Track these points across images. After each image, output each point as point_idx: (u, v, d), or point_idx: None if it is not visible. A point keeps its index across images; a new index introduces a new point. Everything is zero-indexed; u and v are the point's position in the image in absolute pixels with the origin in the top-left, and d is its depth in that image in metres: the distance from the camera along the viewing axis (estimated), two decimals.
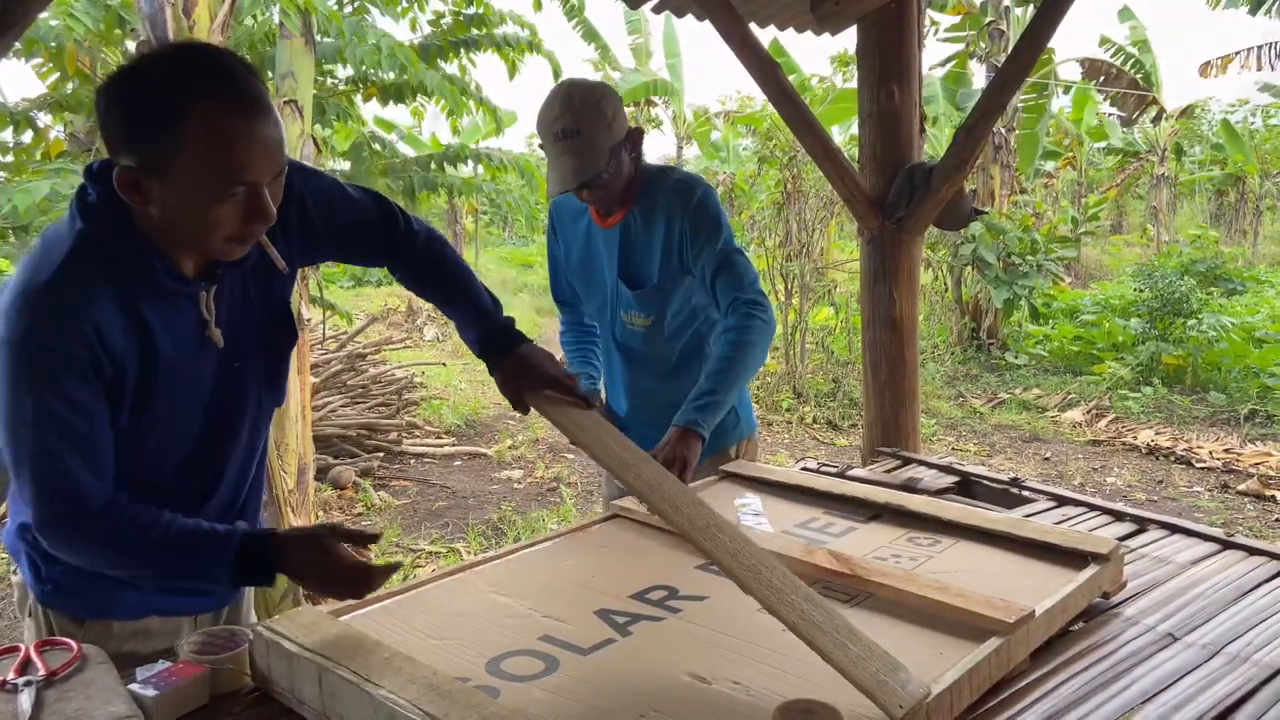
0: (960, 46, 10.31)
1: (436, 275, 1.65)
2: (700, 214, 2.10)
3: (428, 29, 5.81)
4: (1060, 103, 13.04)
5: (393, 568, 1.39)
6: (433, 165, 5.89)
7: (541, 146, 2.09)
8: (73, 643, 1.34)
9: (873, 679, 1.15)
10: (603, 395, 2.42)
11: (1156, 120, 14.20)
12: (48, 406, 1.20)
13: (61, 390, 1.20)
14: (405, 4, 5.59)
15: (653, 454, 1.89)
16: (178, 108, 1.16)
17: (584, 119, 2.00)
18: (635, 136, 2.11)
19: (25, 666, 1.29)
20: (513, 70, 5.94)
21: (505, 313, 1.65)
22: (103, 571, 1.36)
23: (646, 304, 2.20)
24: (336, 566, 1.34)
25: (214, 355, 1.39)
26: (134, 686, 1.27)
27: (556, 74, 6.70)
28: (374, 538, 1.40)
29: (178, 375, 1.34)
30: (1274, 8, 9.29)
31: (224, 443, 1.46)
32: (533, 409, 1.57)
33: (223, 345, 1.38)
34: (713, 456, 2.26)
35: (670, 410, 2.02)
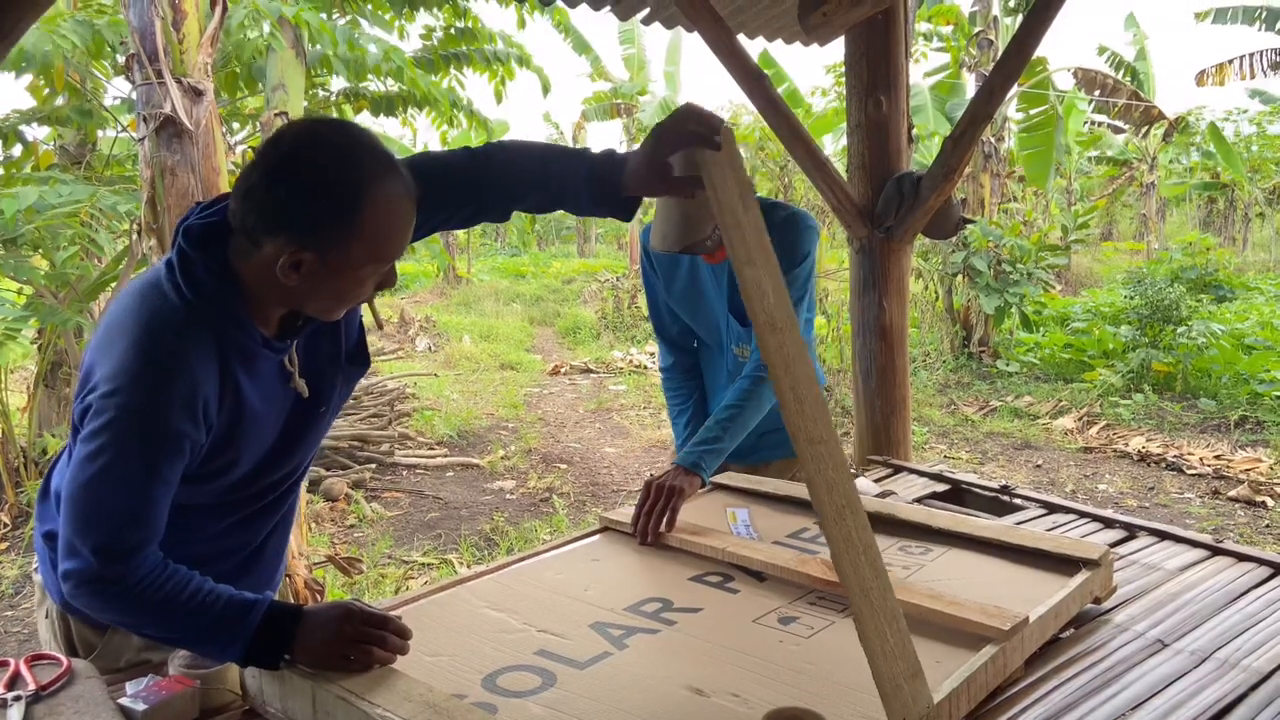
0: (947, 57, 10.37)
1: (526, 181, 1.47)
2: (785, 249, 2.07)
3: (418, 42, 5.83)
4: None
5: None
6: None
7: None
8: (62, 657, 1.34)
9: (892, 682, 1.15)
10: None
11: (1168, 136, 14.29)
12: (142, 480, 1.22)
13: (158, 469, 1.22)
14: (392, 15, 5.60)
15: (649, 481, 1.90)
16: (358, 197, 1.20)
17: None
18: None
19: (14, 681, 1.28)
20: (499, 95, 5.95)
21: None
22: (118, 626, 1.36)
23: None
24: (345, 643, 1.27)
25: (293, 399, 1.41)
26: (123, 701, 1.26)
27: (546, 90, 6.72)
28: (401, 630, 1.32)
29: (259, 424, 1.36)
30: (1264, 18, 9.37)
31: (276, 470, 1.46)
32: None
33: (308, 394, 1.41)
34: (785, 460, 2.36)
35: (772, 427, 2.22)
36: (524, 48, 5.97)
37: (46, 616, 1.50)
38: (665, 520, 1.81)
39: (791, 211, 2.18)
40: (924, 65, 10.72)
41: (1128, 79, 13.60)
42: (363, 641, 1.27)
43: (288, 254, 1.21)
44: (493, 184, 1.46)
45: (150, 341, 1.22)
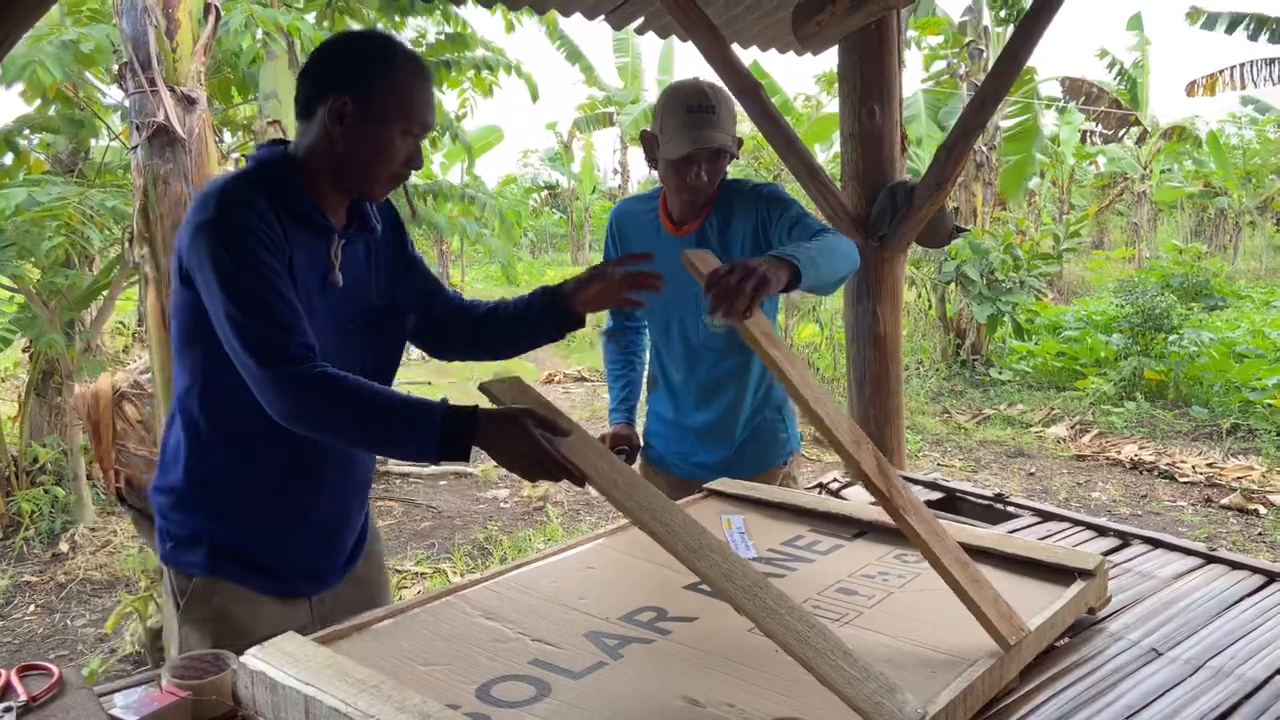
0: (944, 66, 10.41)
1: (479, 318, 1.84)
2: (776, 198, 2.19)
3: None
4: (1044, 121, 13.14)
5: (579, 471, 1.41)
6: (416, 198, 5.90)
7: (658, 131, 2.18)
8: (53, 668, 1.33)
9: (870, 701, 1.15)
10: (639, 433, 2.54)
11: (1140, 141, 14.39)
12: (258, 265, 1.41)
13: (260, 257, 1.42)
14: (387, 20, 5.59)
15: (728, 264, 1.60)
16: (390, 59, 1.52)
17: (722, 105, 2.16)
18: (737, 148, 2.23)
19: (5, 692, 1.28)
20: (485, 89, 5.93)
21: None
22: (309, 432, 1.45)
23: None
24: (533, 448, 1.37)
25: (332, 300, 1.57)
26: (115, 712, 1.25)
27: (534, 96, 6.71)
28: (566, 433, 1.44)
29: (306, 299, 1.51)
30: (1250, 27, 9.44)
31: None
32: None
33: (342, 285, 1.58)
34: (773, 470, 2.35)
35: (751, 439, 2.31)
36: (503, 52, 5.95)
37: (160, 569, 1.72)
38: (748, 302, 1.52)
39: (760, 181, 2.29)
40: (920, 72, 10.78)
41: (1126, 86, 13.66)
42: (542, 456, 1.36)
43: (331, 101, 1.48)
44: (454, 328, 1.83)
45: (221, 194, 1.45)
